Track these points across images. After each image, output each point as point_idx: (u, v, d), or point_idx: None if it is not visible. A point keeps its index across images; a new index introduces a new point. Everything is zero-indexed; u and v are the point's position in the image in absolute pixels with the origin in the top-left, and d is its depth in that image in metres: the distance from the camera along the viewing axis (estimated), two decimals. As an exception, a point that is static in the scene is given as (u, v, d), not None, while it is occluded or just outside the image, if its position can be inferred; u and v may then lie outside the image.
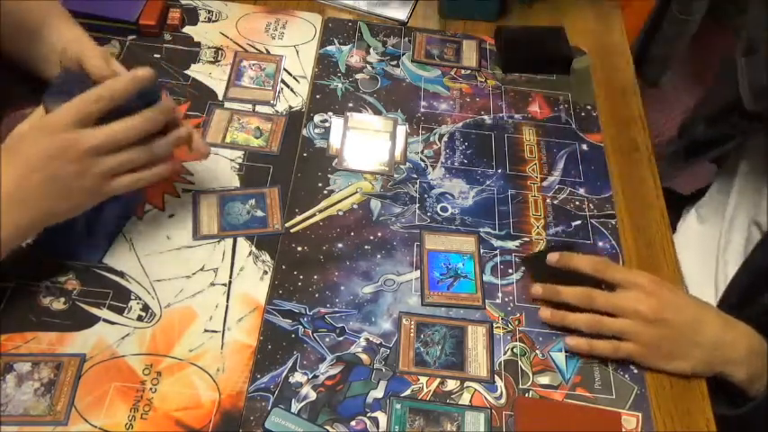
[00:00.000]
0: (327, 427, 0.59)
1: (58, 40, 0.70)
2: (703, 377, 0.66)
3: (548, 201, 0.78)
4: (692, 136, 0.93)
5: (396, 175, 0.78)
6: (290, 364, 0.63)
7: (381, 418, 0.60)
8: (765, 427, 0.65)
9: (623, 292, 0.65)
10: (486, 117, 0.85)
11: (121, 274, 0.67)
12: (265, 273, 0.69)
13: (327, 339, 0.65)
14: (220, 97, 0.83)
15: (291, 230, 0.72)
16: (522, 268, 0.72)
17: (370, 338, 0.65)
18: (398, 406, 0.61)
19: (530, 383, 0.64)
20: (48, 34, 0.71)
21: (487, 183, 0.79)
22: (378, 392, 0.62)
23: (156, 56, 0.86)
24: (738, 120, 0.82)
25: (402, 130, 0.83)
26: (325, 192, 0.76)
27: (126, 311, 0.64)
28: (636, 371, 0.65)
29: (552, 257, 0.69)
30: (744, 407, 0.65)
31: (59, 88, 0.61)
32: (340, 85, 0.86)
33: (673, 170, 0.79)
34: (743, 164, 0.87)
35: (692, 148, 0.92)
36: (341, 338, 0.65)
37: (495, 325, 0.67)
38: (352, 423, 0.60)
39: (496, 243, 0.73)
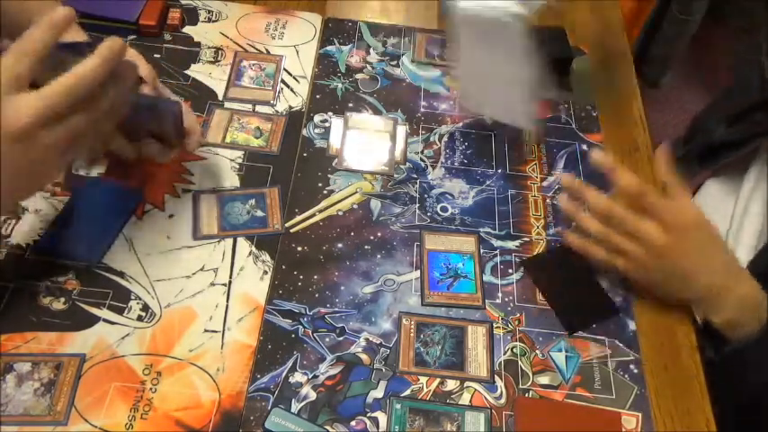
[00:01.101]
0: (327, 427, 0.59)
1: None
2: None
3: (548, 201, 0.78)
4: (709, 139, 0.91)
5: (396, 175, 0.78)
6: (290, 364, 0.63)
7: (381, 418, 0.60)
8: (745, 372, 0.67)
9: (643, 218, 0.64)
10: (486, 117, 0.85)
11: (121, 274, 0.67)
12: (265, 273, 0.69)
13: (327, 339, 0.65)
14: (220, 97, 0.83)
15: (291, 230, 0.72)
16: (522, 268, 0.72)
17: (370, 338, 0.65)
18: (398, 406, 0.61)
19: (530, 383, 0.64)
20: None
21: (487, 183, 0.79)
22: (378, 392, 0.62)
23: (156, 56, 0.86)
24: (764, 117, 0.81)
25: (402, 130, 0.83)
26: (325, 192, 0.76)
27: (126, 311, 0.64)
28: (636, 371, 0.65)
29: (599, 159, 0.67)
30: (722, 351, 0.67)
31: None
32: (340, 85, 0.86)
33: (686, 176, 0.76)
34: (758, 163, 0.85)
35: (709, 152, 0.90)
36: (341, 338, 0.65)
37: (495, 325, 0.67)
38: (352, 423, 0.60)
39: (496, 243, 0.73)
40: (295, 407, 0.60)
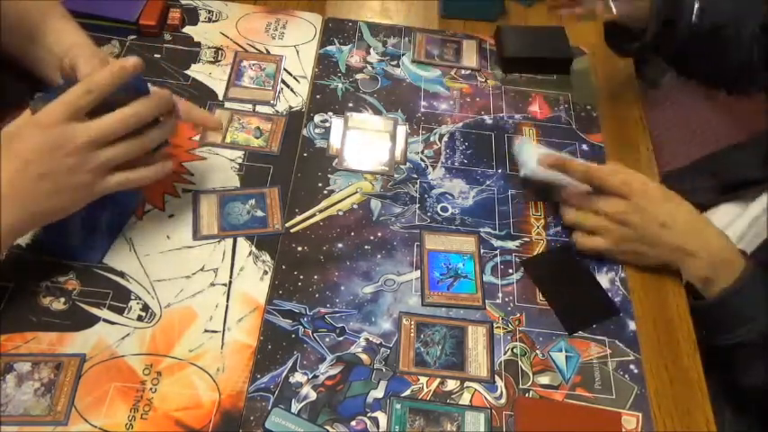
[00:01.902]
0: (327, 427, 0.59)
1: (55, 42, 0.70)
2: None
3: (548, 201, 0.78)
4: (740, 176, 0.91)
5: (396, 175, 0.78)
6: (290, 364, 0.63)
7: (381, 418, 0.60)
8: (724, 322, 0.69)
9: (604, 196, 0.72)
10: (486, 117, 0.85)
11: (121, 274, 0.67)
12: (265, 273, 0.69)
13: (327, 339, 0.65)
14: (220, 97, 0.83)
15: (291, 230, 0.72)
16: (522, 268, 0.72)
17: (370, 338, 0.65)
18: (398, 406, 0.61)
19: (530, 383, 0.64)
20: (45, 36, 0.71)
21: (487, 183, 0.79)
22: (378, 392, 0.62)
23: (156, 56, 0.86)
24: None
25: (402, 130, 0.83)
26: (326, 192, 0.76)
27: (126, 311, 0.64)
28: (636, 371, 0.65)
29: (547, 159, 0.75)
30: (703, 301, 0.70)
31: (52, 94, 0.60)
32: (340, 85, 0.86)
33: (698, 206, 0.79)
34: None
35: (732, 186, 0.91)
36: (341, 338, 0.65)
37: (495, 325, 0.67)
38: (353, 423, 0.60)
39: (496, 243, 0.73)
40: (295, 407, 0.60)
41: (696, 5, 0.79)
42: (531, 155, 0.77)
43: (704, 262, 0.69)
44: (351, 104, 0.85)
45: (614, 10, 0.79)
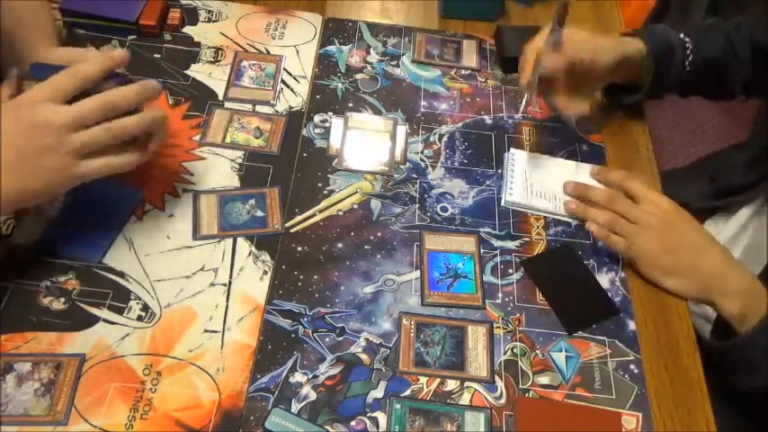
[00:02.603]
0: (327, 427, 0.59)
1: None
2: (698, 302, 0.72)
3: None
4: (726, 180, 0.91)
5: (396, 175, 0.78)
6: (290, 364, 0.63)
7: (381, 418, 0.60)
8: (752, 362, 0.68)
9: (642, 205, 0.73)
10: (486, 117, 0.85)
11: (121, 274, 0.67)
12: (265, 273, 0.69)
13: (327, 339, 0.65)
14: (220, 97, 0.83)
15: (291, 230, 0.72)
16: (522, 268, 0.72)
17: (370, 338, 0.65)
18: (398, 406, 0.61)
19: (530, 383, 0.64)
20: (31, 52, 0.69)
21: (487, 183, 0.79)
22: (378, 392, 0.62)
23: (156, 56, 0.86)
24: None
25: (402, 130, 0.83)
26: (326, 192, 0.76)
27: (126, 311, 0.64)
28: (636, 371, 0.65)
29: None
30: (731, 339, 0.68)
31: (44, 71, 0.61)
32: (340, 85, 0.86)
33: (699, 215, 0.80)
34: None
35: (724, 192, 0.91)
36: (341, 338, 0.65)
37: (495, 325, 0.67)
38: (352, 423, 0.60)
39: (496, 243, 0.73)
40: (295, 407, 0.60)
41: (688, 49, 0.81)
42: (516, 175, 0.77)
43: (738, 291, 0.68)
44: (351, 104, 0.85)
45: (573, 121, 0.80)
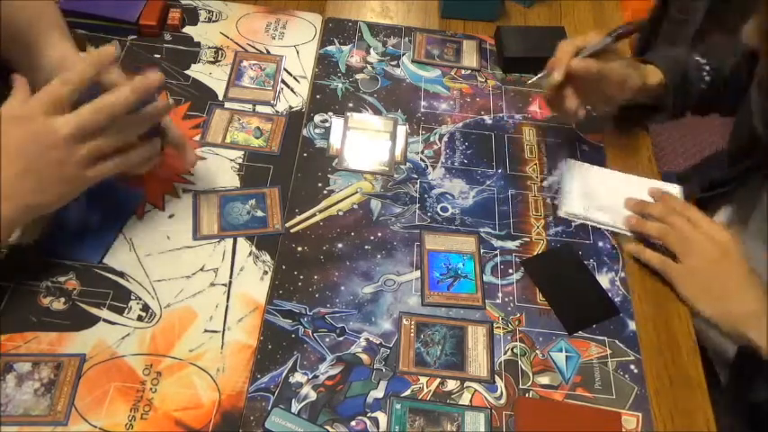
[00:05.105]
0: (327, 427, 0.59)
1: (53, 54, 0.69)
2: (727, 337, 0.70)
3: (548, 201, 0.78)
4: (712, 176, 0.91)
5: (396, 175, 0.78)
6: (290, 364, 0.63)
7: (381, 418, 0.60)
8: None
9: (699, 229, 0.72)
10: (486, 117, 0.85)
11: (121, 274, 0.67)
12: (265, 273, 0.69)
13: (327, 339, 0.65)
14: (220, 97, 0.83)
15: (291, 230, 0.72)
16: (522, 268, 0.72)
17: (371, 338, 0.65)
18: (398, 406, 0.61)
19: (530, 383, 0.64)
20: (44, 47, 0.69)
21: (487, 183, 0.79)
22: (378, 392, 0.62)
23: (156, 56, 0.86)
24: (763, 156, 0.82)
25: (402, 130, 0.83)
26: (326, 192, 0.76)
27: (126, 311, 0.64)
28: (636, 371, 0.65)
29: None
30: None
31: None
32: (340, 85, 0.86)
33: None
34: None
35: (710, 187, 0.91)
36: (341, 338, 0.65)
37: (495, 325, 0.67)
38: (353, 423, 0.60)
39: (496, 243, 0.73)
40: (295, 407, 0.60)
41: (704, 71, 0.81)
42: (575, 186, 0.77)
43: None
44: (351, 104, 0.85)
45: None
